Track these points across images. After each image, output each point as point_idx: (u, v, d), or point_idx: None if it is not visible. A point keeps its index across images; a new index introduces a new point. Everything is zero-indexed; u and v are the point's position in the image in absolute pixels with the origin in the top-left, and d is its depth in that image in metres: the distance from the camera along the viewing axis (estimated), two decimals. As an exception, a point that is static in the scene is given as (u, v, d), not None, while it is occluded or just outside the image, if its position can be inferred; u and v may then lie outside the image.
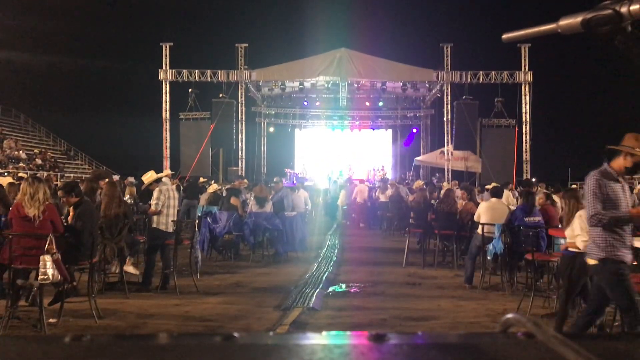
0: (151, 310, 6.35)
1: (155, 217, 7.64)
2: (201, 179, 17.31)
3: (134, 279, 7.55)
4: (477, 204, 9.55)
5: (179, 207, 14.08)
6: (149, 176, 8.15)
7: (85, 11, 36.02)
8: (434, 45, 26.53)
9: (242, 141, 27.04)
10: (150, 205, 7.84)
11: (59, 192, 6.70)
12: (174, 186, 15.41)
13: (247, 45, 26.07)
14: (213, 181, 18.31)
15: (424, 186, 14.62)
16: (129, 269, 7.57)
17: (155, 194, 7.72)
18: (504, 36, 1.19)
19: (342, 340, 0.68)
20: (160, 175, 8.30)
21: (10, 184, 8.89)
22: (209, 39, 35.78)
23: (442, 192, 11.22)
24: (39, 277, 5.18)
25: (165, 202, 7.64)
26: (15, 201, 5.99)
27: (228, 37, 29.12)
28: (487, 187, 12.82)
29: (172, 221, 7.74)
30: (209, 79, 25.90)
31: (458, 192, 11.95)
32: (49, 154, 27.71)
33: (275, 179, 13.63)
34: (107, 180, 8.86)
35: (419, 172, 28.91)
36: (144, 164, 8.31)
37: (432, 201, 12.34)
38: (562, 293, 5.36)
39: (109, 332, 5.35)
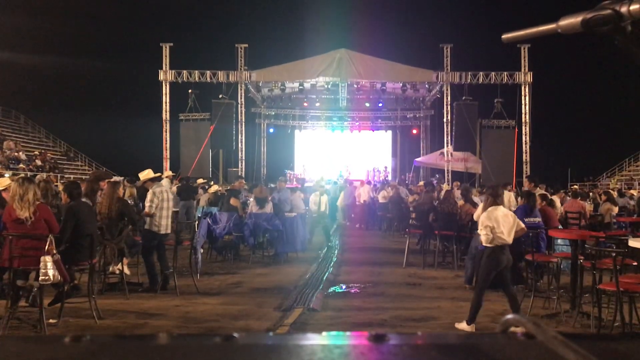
0: (151, 311, 6.35)
1: (148, 219, 7.63)
2: (199, 180, 17.30)
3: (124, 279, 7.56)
4: (473, 204, 9.57)
5: (177, 208, 14.11)
6: (145, 174, 8.17)
7: (85, 11, 36.04)
8: (433, 46, 26.57)
9: (242, 142, 27.05)
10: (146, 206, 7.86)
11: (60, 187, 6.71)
12: (175, 187, 15.44)
13: (246, 45, 26.09)
14: (212, 182, 18.32)
15: (425, 187, 14.64)
16: (124, 268, 7.58)
17: (148, 196, 7.71)
18: (504, 36, 1.19)
19: (342, 341, 0.68)
20: (157, 175, 8.29)
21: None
22: (209, 39, 35.79)
23: (442, 193, 11.23)
24: (40, 278, 5.18)
25: (159, 204, 7.60)
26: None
27: (228, 38, 29.11)
28: (477, 189, 12.84)
29: (166, 223, 7.71)
30: (208, 79, 25.91)
31: (458, 193, 11.96)
32: (48, 155, 27.71)
33: (280, 178, 13.67)
34: (107, 180, 8.87)
35: (419, 173, 28.92)
36: (144, 165, 8.38)
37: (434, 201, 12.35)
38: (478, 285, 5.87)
39: (109, 332, 5.35)
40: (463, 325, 5.80)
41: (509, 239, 5.64)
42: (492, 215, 5.66)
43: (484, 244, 5.74)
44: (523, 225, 5.93)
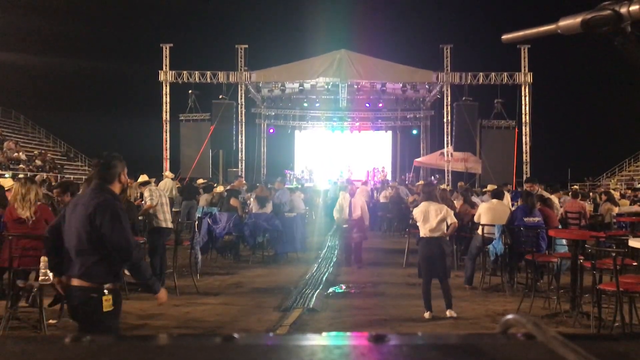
0: (151, 311, 6.35)
1: (154, 218, 7.66)
2: (199, 181, 17.30)
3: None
4: (472, 205, 9.57)
5: (179, 208, 14.13)
6: (140, 179, 8.47)
7: (85, 12, 36.05)
8: (433, 46, 26.55)
9: (242, 142, 27.03)
10: (144, 203, 7.95)
11: (55, 192, 6.71)
12: (176, 188, 15.45)
13: (247, 46, 26.08)
14: (213, 182, 18.30)
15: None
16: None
17: (146, 192, 7.88)
18: (504, 37, 1.19)
19: (342, 341, 0.68)
20: (152, 179, 8.56)
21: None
22: (209, 40, 35.81)
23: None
24: (40, 278, 5.18)
25: (159, 199, 7.71)
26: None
27: (228, 38, 29.14)
28: (484, 189, 12.84)
29: (168, 217, 7.85)
30: (209, 80, 25.90)
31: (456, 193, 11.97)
32: (48, 155, 27.71)
33: (278, 179, 13.70)
34: None
35: (419, 174, 28.91)
36: (144, 166, 8.46)
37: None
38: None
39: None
40: (425, 314, 6.22)
41: (431, 233, 6.20)
42: (421, 210, 6.28)
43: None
44: (454, 220, 6.52)
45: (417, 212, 6.38)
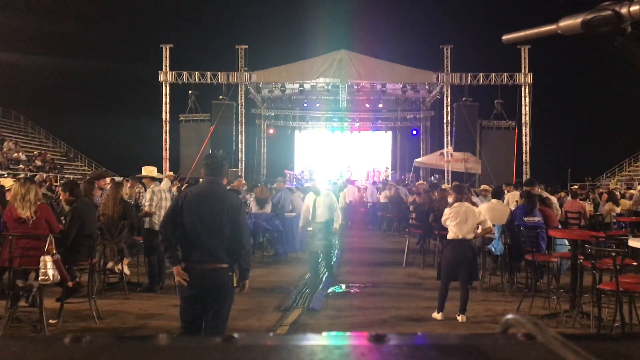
0: (151, 311, 6.35)
1: (148, 218, 7.66)
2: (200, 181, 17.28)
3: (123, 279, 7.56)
4: (471, 204, 9.56)
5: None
6: (151, 170, 8.31)
7: (85, 12, 36.07)
8: (433, 47, 26.56)
9: (242, 143, 27.05)
10: (143, 204, 7.92)
11: (58, 188, 6.72)
12: (176, 188, 15.44)
13: (247, 47, 26.09)
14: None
15: (427, 187, 14.68)
16: (124, 268, 7.59)
17: (147, 194, 7.81)
18: (504, 37, 1.19)
19: (342, 341, 0.68)
20: (159, 176, 8.40)
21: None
22: (209, 40, 35.84)
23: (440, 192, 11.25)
24: (40, 278, 5.18)
25: (158, 203, 7.69)
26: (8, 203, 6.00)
27: (228, 39, 29.15)
28: (476, 189, 12.81)
29: None
30: (209, 80, 25.90)
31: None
32: (48, 155, 27.71)
33: (279, 179, 13.70)
34: (106, 180, 8.94)
35: (418, 174, 28.91)
36: (144, 166, 8.56)
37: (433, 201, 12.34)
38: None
39: (109, 333, 5.36)
40: (434, 314, 6.18)
41: (465, 235, 6.02)
42: (457, 211, 6.06)
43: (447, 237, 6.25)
44: (490, 225, 6.30)
45: (451, 213, 6.09)
